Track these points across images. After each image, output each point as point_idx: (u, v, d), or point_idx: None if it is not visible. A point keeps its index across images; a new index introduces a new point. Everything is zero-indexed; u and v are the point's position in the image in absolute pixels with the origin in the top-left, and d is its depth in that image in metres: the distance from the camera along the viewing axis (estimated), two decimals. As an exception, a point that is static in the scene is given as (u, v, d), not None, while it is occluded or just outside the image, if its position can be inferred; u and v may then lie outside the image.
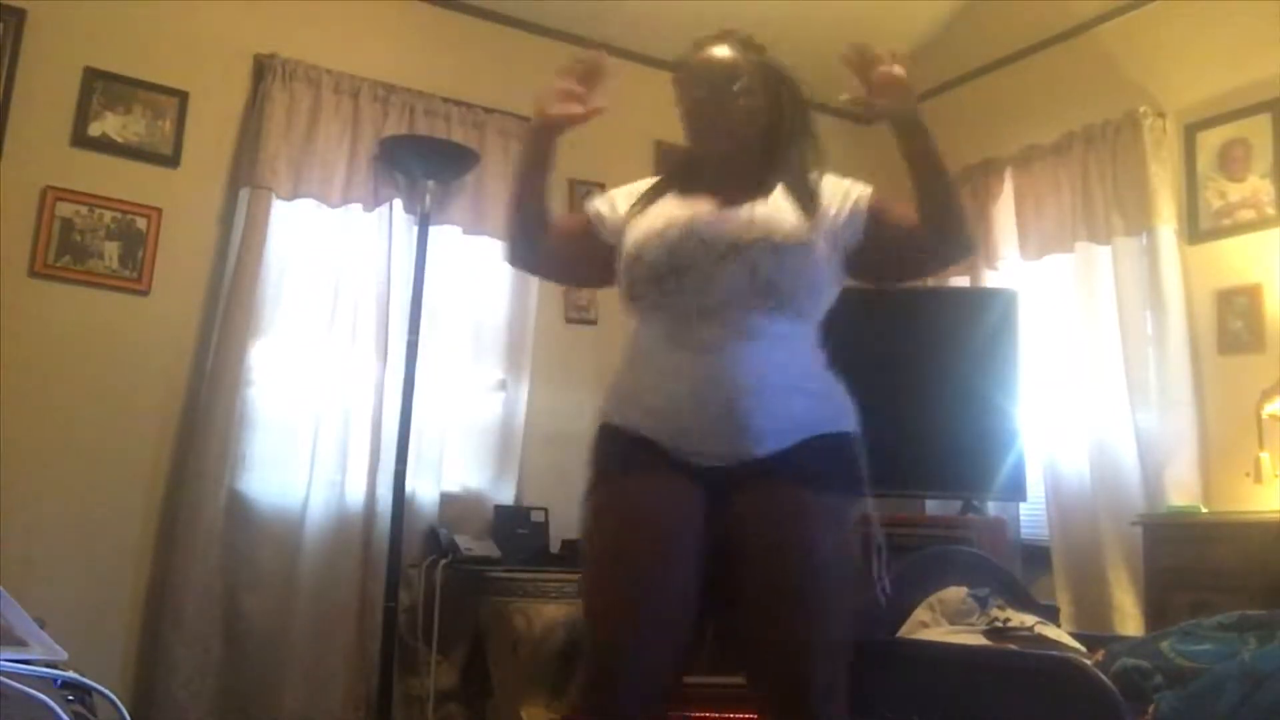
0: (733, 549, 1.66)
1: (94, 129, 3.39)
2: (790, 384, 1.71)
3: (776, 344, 1.71)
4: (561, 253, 1.89)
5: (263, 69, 3.61)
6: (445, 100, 3.91)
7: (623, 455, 1.73)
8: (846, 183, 1.83)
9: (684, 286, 1.69)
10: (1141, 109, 3.62)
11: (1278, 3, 3.36)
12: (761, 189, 1.77)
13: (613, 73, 1.78)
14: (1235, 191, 3.45)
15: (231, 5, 3.66)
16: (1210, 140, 3.53)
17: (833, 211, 1.77)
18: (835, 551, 1.69)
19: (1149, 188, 3.56)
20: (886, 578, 1.85)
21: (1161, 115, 3.64)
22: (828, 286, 1.77)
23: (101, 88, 3.41)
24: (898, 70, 1.64)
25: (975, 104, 4.40)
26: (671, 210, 1.77)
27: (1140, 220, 3.58)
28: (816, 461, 1.70)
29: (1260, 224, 3.37)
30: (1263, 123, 3.39)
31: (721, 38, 1.84)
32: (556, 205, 1.95)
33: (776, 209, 1.74)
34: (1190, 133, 3.59)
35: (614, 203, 1.87)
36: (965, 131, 4.37)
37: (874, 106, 1.68)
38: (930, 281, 4.29)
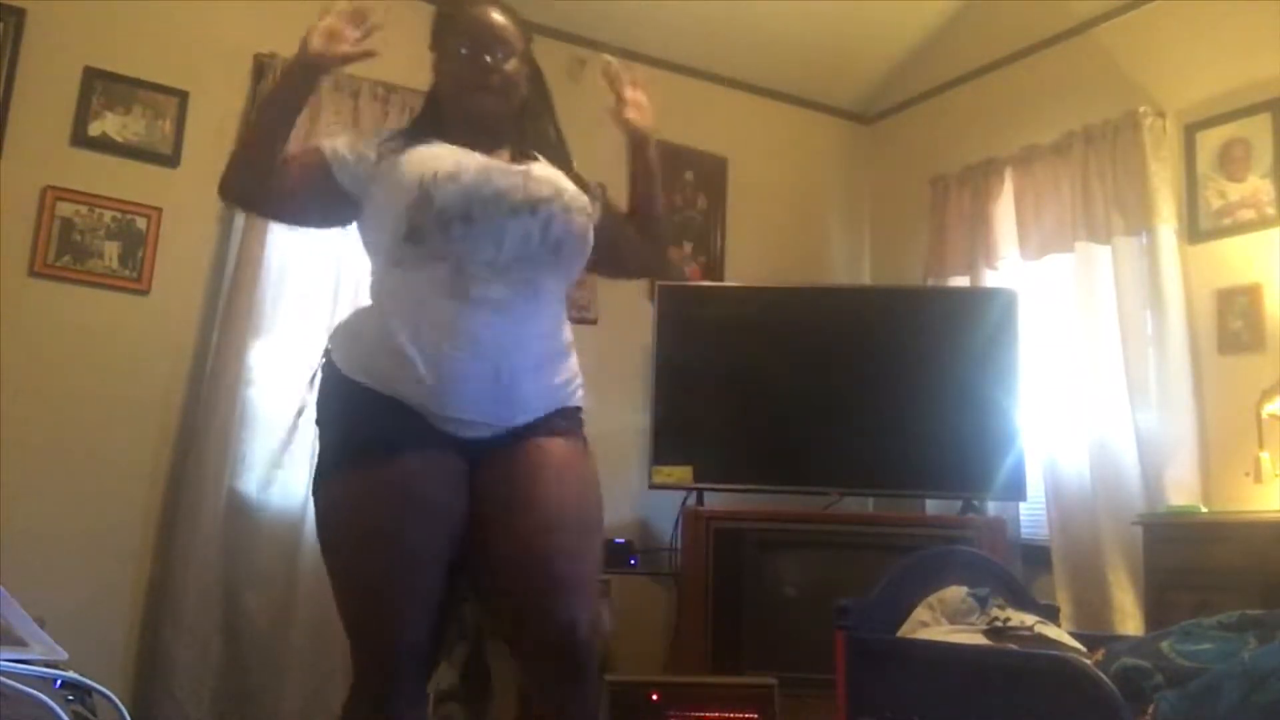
0: (488, 502, 1.67)
1: (94, 129, 3.39)
2: (557, 352, 1.77)
3: (551, 307, 1.75)
4: (287, 191, 1.75)
5: (263, 69, 3.61)
6: (445, 100, 3.91)
7: (373, 425, 1.64)
8: (580, 173, 1.89)
9: (472, 235, 1.65)
10: (1141, 109, 3.62)
11: (1278, 2, 3.36)
12: (526, 155, 1.80)
13: (384, 24, 1.76)
14: (1235, 191, 3.45)
15: (231, 5, 3.66)
16: (1210, 140, 3.53)
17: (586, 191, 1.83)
18: (583, 490, 1.72)
19: (1149, 187, 3.56)
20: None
21: (1161, 115, 3.64)
22: (587, 256, 1.82)
23: (101, 88, 3.41)
24: (644, 97, 1.85)
25: (975, 104, 4.40)
26: (458, 155, 1.70)
27: (1140, 220, 3.58)
28: (561, 422, 1.75)
29: (1260, 224, 3.37)
30: (1263, 123, 3.39)
31: (494, 1, 1.84)
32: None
33: (556, 173, 1.78)
34: (1190, 133, 3.59)
35: (357, 147, 1.76)
36: (965, 131, 4.38)
37: (623, 120, 1.84)
38: (930, 281, 4.31)
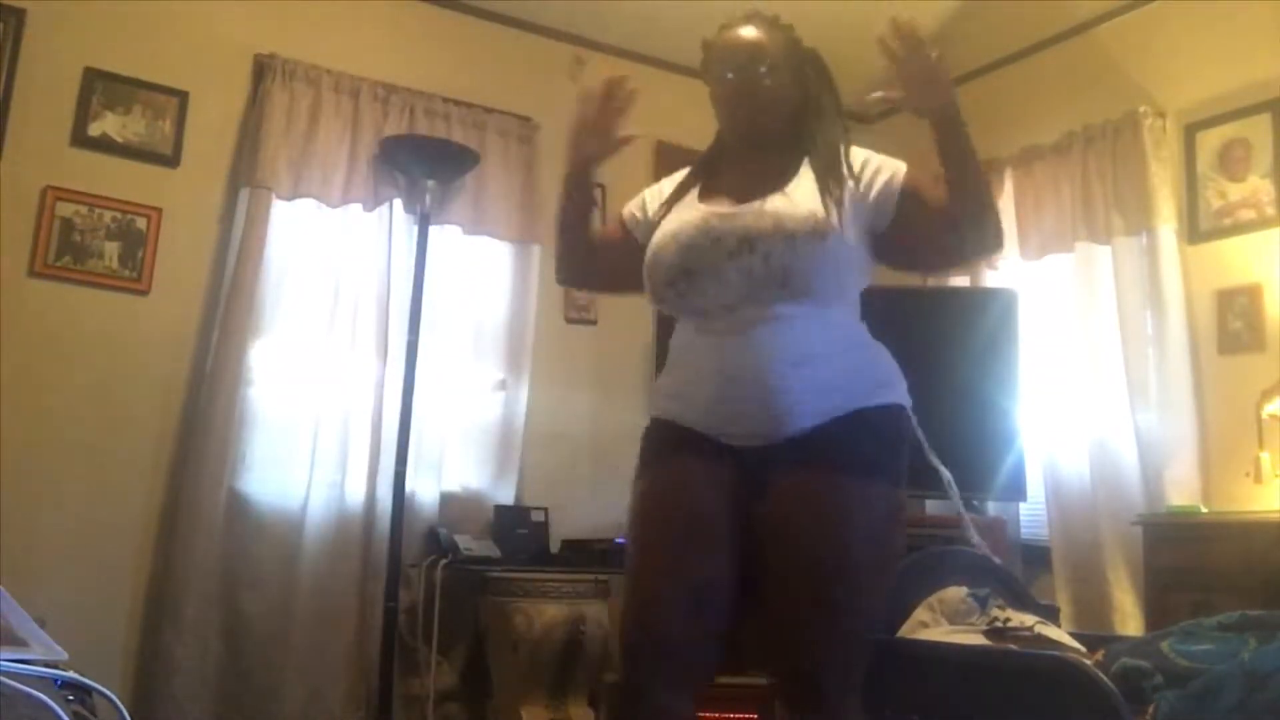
0: (763, 532, 1.65)
1: (94, 129, 3.39)
2: (821, 355, 1.68)
3: (802, 325, 1.68)
4: (606, 264, 1.91)
5: (263, 69, 3.61)
6: (445, 100, 3.91)
7: (660, 442, 1.76)
8: (880, 159, 1.79)
9: (696, 287, 1.70)
10: (1141, 109, 3.62)
11: (1278, 3, 3.36)
12: (788, 172, 1.76)
13: (633, 97, 1.79)
14: (1235, 191, 3.45)
15: (231, 5, 3.66)
16: (1210, 140, 3.53)
17: (862, 189, 1.74)
18: (864, 539, 1.64)
19: (1149, 188, 3.56)
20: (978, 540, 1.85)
21: (1161, 115, 3.64)
22: (852, 269, 1.75)
23: (101, 88, 3.41)
24: (933, 55, 1.60)
25: (975, 104, 4.37)
26: (686, 212, 1.78)
27: (1140, 220, 3.58)
28: (856, 439, 1.65)
29: (1260, 224, 3.37)
30: (1263, 123, 3.39)
31: (748, 18, 1.83)
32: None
33: (795, 195, 1.71)
34: (1190, 133, 3.59)
35: (645, 205, 1.89)
36: (965, 131, 4.37)
37: (908, 102, 1.65)
38: (930, 281, 4.30)
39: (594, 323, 4.13)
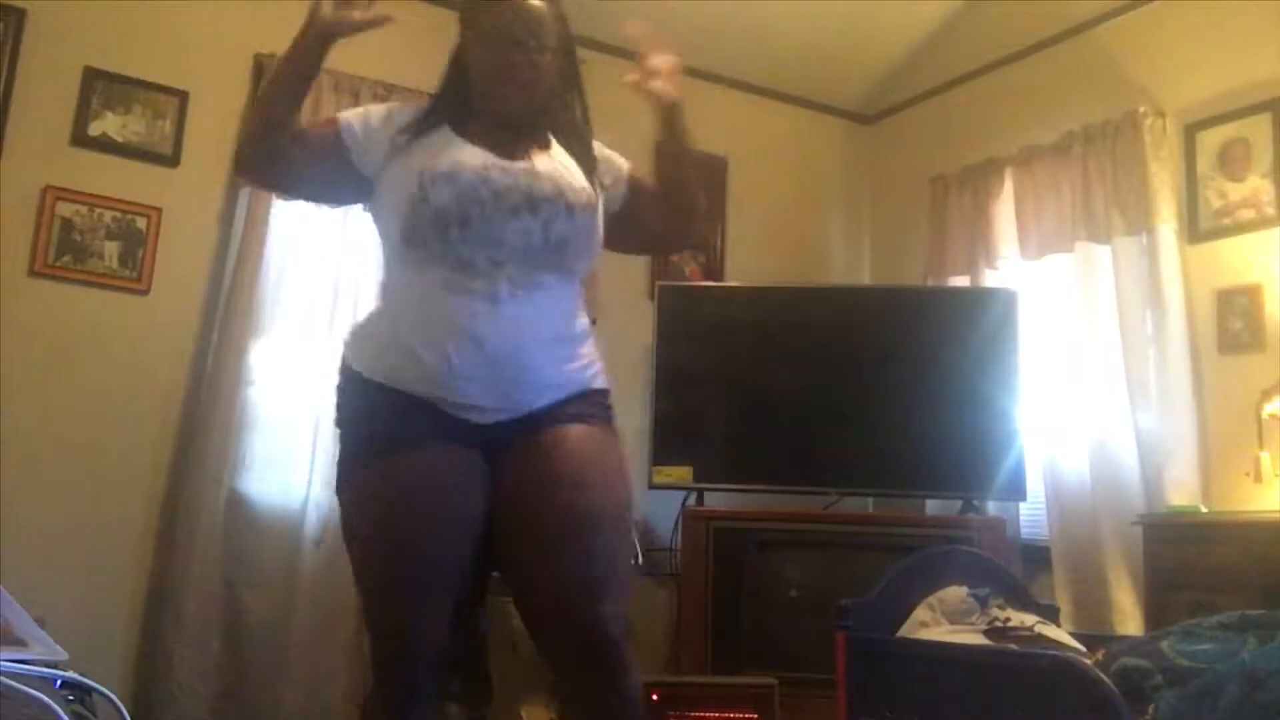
0: (509, 499, 1.65)
1: (94, 129, 3.39)
2: (567, 338, 1.73)
3: (556, 299, 1.71)
4: (300, 164, 1.71)
5: (263, 69, 3.61)
6: (445, 100, 3.91)
7: (392, 423, 1.65)
8: (609, 151, 1.86)
9: (469, 236, 1.62)
10: (1141, 109, 3.62)
11: (1278, 2, 3.36)
12: (540, 140, 1.75)
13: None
14: (1235, 191, 3.45)
15: (231, 5, 3.66)
16: (1210, 140, 3.53)
17: (605, 177, 1.80)
18: (611, 481, 1.68)
19: (1149, 188, 3.56)
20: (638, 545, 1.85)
21: (1161, 115, 3.64)
22: (599, 247, 1.79)
23: (101, 88, 3.41)
24: (671, 63, 1.73)
25: (975, 104, 4.40)
26: (457, 153, 1.66)
27: (1140, 220, 3.58)
28: (584, 407, 1.72)
29: (1260, 224, 3.37)
30: (1263, 123, 3.39)
31: None
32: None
33: (564, 166, 1.73)
34: (1190, 133, 3.58)
35: (370, 124, 1.72)
36: (965, 131, 4.37)
37: (647, 91, 1.74)
38: (930, 281, 4.31)
39: (594, 323, 4.10)
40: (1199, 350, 3.46)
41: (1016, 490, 3.67)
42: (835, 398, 3.81)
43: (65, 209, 3.32)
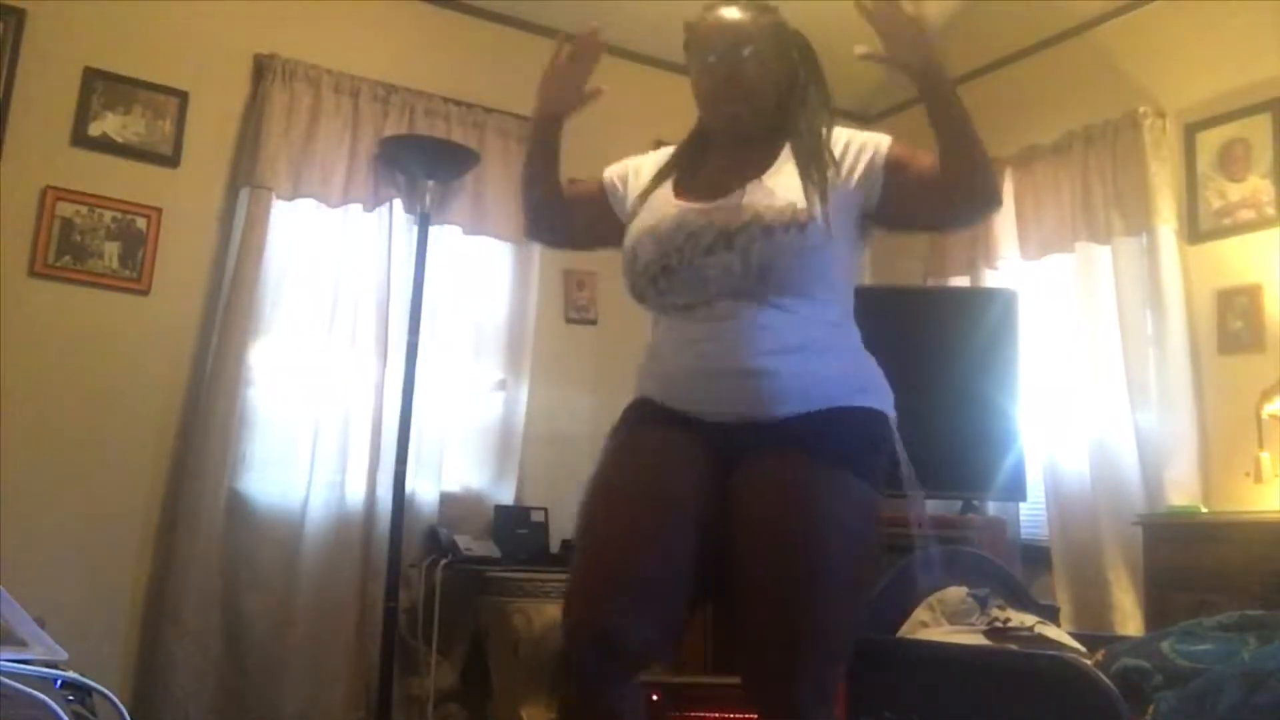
0: (734, 519, 1.57)
1: (94, 129, 3.39)
2: (810, 348, 1.63)
3: (786, 318, 1.63)
4: (579, 222, 1.90)
5: (263, 69, 3.61)
6: (445, 100, 3.91)
7: (635, 413, 1.75)
8: (863, 137, 1.72)
9: (676, 284, 1.67)
10: (1141, 109, 3.62)
11: (1278, 2, 3.36)
12: (768, 161, 1.70)
13: (603, 48, 1.77)
14: (1235, 191, 3.45)
15: (231, 5, 3.66)
16: (1210, 140, 3.53)
17: (844, 174, 1.68)
18: (843, 535, 1.56)
19: (1149, 188, 3.56)
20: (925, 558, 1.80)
21: (1161, 115, 3.64)
22: (837, 261, 1.67)
23: (101, 88, 3.41)
24: (913, 13, 1.55)
25: (975, 104, 4.35)
26: (663, 207, 1.73)
27: (1140, 220, 3.58)
28: (836, 434, 1.59)
29: (1260, 224, 3.37)
30: (1263, 123, 3.39)
31: (730, 1, 1.76)
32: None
33: (773, 185, 1.66)
34: (1190, 133, 3.59)
35: (626, 178, 1.86)
36: (965, 131, 4.37)
37: (893, 59, 1.58)
38: (930, 281, 4.31)
39: (594, 323, 4.13)
40: (1199, 350, 3.46)
41: (1016, 490, 3.67)
42: (835, 398, 3.81)
43: (65, 209, 3.32)
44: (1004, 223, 4.08)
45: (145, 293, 3.43)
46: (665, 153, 1.86)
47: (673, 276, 1.66)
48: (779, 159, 1.70)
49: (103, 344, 3.35)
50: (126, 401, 3.37)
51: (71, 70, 3.37)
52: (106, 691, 1.08)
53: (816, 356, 1.63)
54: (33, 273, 3.27)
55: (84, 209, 3.35)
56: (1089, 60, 3.92)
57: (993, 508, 3.75)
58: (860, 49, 1.58)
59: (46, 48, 3.33)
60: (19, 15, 3.29)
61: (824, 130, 1.71)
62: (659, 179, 1.80)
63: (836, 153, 1.69)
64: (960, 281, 4.19)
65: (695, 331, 1.67)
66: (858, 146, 1.70)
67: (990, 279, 4.07)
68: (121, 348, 3.38)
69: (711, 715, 3.02)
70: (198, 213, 3.54)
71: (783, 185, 1.66)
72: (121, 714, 1.03)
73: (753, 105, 1.73)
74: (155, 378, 3.43)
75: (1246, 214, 3.41)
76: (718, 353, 1.63)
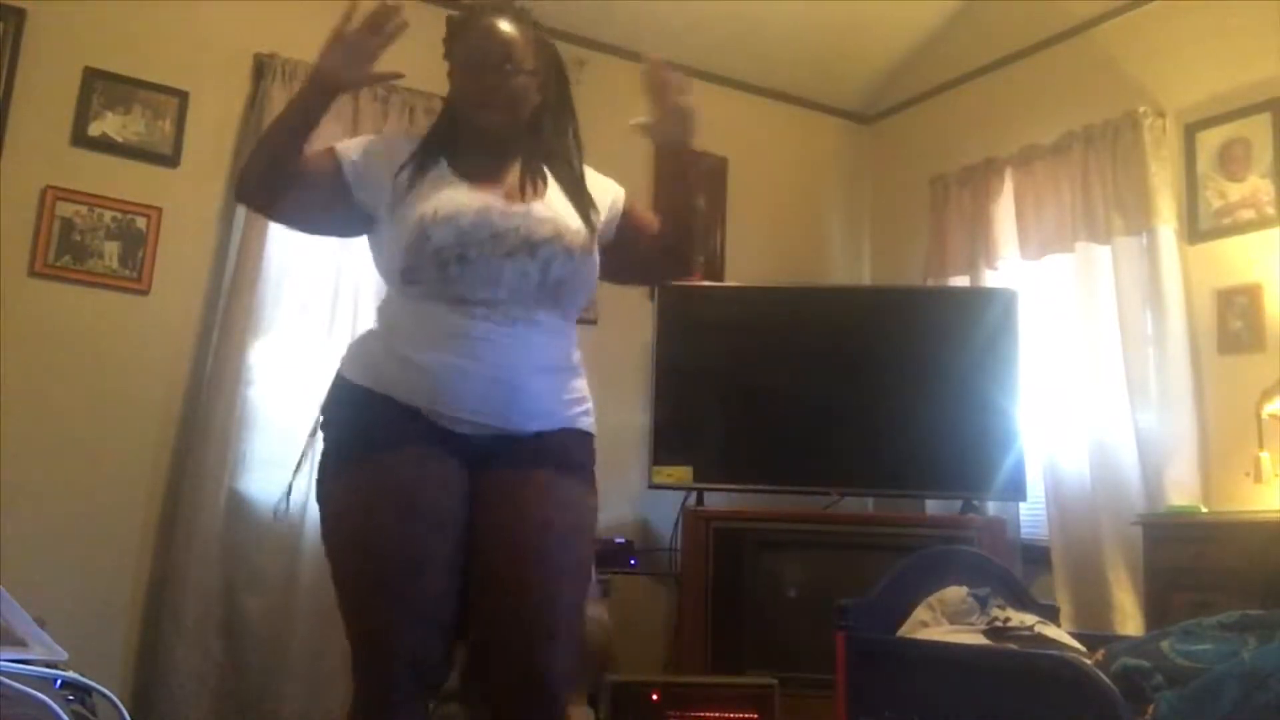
0: (483, 525, 1.64)
1: (94, 129, 3.39)
2: (564, 368, 1.75)
3: (551, 333, 1.73)
4: (302, 196, 1.72)
5: (263, 69, 3.61)
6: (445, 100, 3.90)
7: (374, 424, 1.65)
8: (606, 181, 1.86)
9: (466, 275, 1.65)
10: (1141, 109, 3.62)
11: (1278, 2, 3.36)
12: (537, 174, 1.77)
13: (404, 27, 1.71)
14: (1235, 191, 3.45)
15: (231, 5, 3.66)
16: (1210, 140, 3.53)
17: (601, 210, 1.81)
18: (584, 534, 1.70)
19: (1149, 188, 3.56)
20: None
21: (1161, 115, 3.64)
22: (594, 287, 1.81)
23: (101, 88, 3.41)
24: (686, 101, 1.76)
25: (975, 104, 4.40)
26: (458, 194, 1.70)
27: (1140, 220, 3.58)
28: (573, 449, 1.73)
29: (1260, 224, 3.37)
30: (1263, 123, 3.39)
31: (502, 9, 1.78)
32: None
33: (561, 206, 1.75)
34: (1190, 133, 3.59)
35: (370, 159, 1.74)
36: (965, 131, 4.38)
37: (657, 132, 1.78)
38: (930, 281, 4.31)
39: (594, 322, 4.12)
40: (1199, 350, 3.46)
41: (1016, 490, 3.68)
42: (835, 398, 3.81)
43: (65, 209, 3.32)
44: (1004, 223, 4.09)
45: (145, 293, 3.43)
46: (402, 135, 1.87)
47: (466, 268, 1.65)
48: (548, 179, 1.78)
49: (103, 344, 3.35)
50: (126, 401, 3.37)
51: (71, 70, 3.37)
52: (106, 691, 1.08)
53: (561, 377, 1.75)
54: (33, 272, 3.27)
55: (84, 209, 3.35)
56: (1089, 60, 3.92)
57: (993, 508, 3.75)
58: (633, 121, 1.78)
59: (46, 48, 3.33)
60: (19, 15, 3.29)
61: (580, 162, 1.83)
62: (424, 158, 1.74)
63: (593, 189, 1.82)
64: (960, 281, 4.19)
65: (475, 330, 1.65)
66: (604, 187, 1.85)
67: (990, 279, 4.07)
68: (121, 348, 3.38)
69: (711, 715, 3.03)
70: (198, 213, 3.54)
71: (565, 207, 1.75)
72: (121, 714, 1.03)
73: (513, 117, 1.77)
74: (155, 378, 3.43)
75: (1246, 214, 3.41)
76: (494, 361, 1.65)
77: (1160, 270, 3.50)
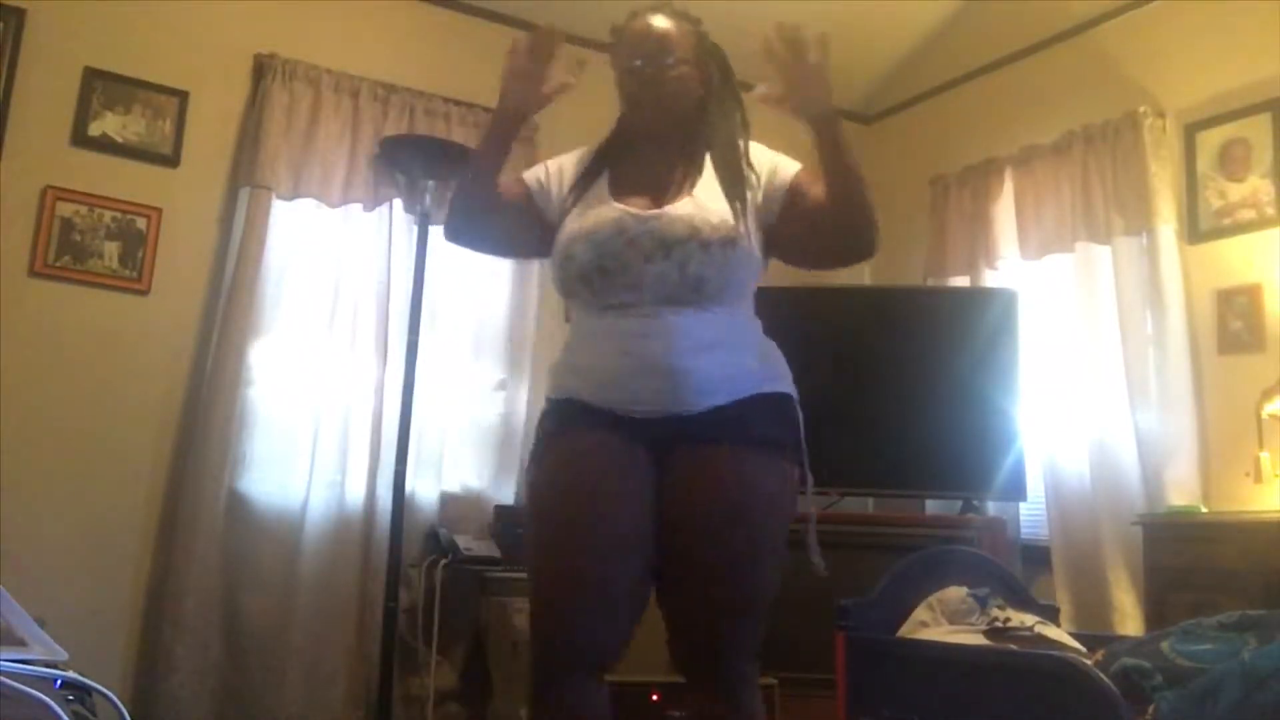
0: (670, 507, 1.68)
1: (94, 129, 3.39)
2: (727, 344, 1.74)
3: (708, 320, 1.74)
4: (501, 226, 1.87)
5: (263, 69, 3.61)
6: (445, 100, 3.91)
7: (561, 418, 1.77)
8: (773, 156, 1.84)
9: (611, 285, 1.72)
10: (1141, 109, 3.62)
11: (1278, 2, 3.36)
12: (694, 171, 1.79)
13: (564, 44, 1.77)
14: (1235, 191, 3.45)
15: (231, 5, 3.66)
16: (1210, 140, 3.53)
17: (758, 189, 1.80)
18: (767, 506, 1.70)
19: (1149, 188, 3.56)
20: (817, 548, 1.80)
21: (1161, 115, 3.64)
22: (754, 273, 1.80)
23: (101, 88, 3.41)
24: (816, 60, 1.66)
25: (975, 104, 4.40)
26: (600, 208, 1.78)
27: (1140, 220, 3.58)
28: (758, 420, 1.73)
29: (1260, 224, 3.37)
30: (1263, 123, 3.39)
31: (658, 7, 1.84)
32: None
33: (705, 199, 1.76)
34: (1190, 133, 3.58)
35: (549, 179, 1.87)
36: (965, 131, 4.37)
37: (793, 102, 1.68)
38: (930, 281, 4.31)
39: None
40: (1199, 350, 3.46)
41: (1016, 490, 3.67)
42: (835, 398, 3.80)
43: (65, 209, 3.32)
44: (1004, 223, 4.09)
45: (145, 293, 3.43)
46: (579, 153, 1.91)
47: (609, 279, 1.72)
48: (703, 170, 1.79)
49: (103, 344, 3.35)
50: (126, 401, 3.37)
51: (71, 70, 3.37)
52: (106, 691, 1.08)
53: (731, 351, 1.74)
54: (33, 272, 3.27)
55: (84, 209, 3.35)
56: (1089, 60, 3.92)
57: (993, 508, 3.75)
58: (761, 89, 1.68)
59: (46, 48, 3.33)
60: (19, 15, 3.29)
61: (742, 144, 1.81)
62: (589, 176, 1.84)
63: (755, 167, 1.80)
64: (960, 281, 4.19)
65: (625, 328, 1.72)
66: (770, 165, 1.82)
67: (990, 279, 4.07)
68: (121, 348, 3.38)
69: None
70: (198, 213, 3.54)
71: (711, 197, 1.75)
72: (121, 714, 1.03)
73: (673, 110, 1.81)
74: (155, 378, 3.43)
75: (1246, 214, 3.41)
76: (646, 351, 1.70)
77: (1160, 270, 3.50)
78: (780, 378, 1.80)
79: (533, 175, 1.88)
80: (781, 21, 1.67)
